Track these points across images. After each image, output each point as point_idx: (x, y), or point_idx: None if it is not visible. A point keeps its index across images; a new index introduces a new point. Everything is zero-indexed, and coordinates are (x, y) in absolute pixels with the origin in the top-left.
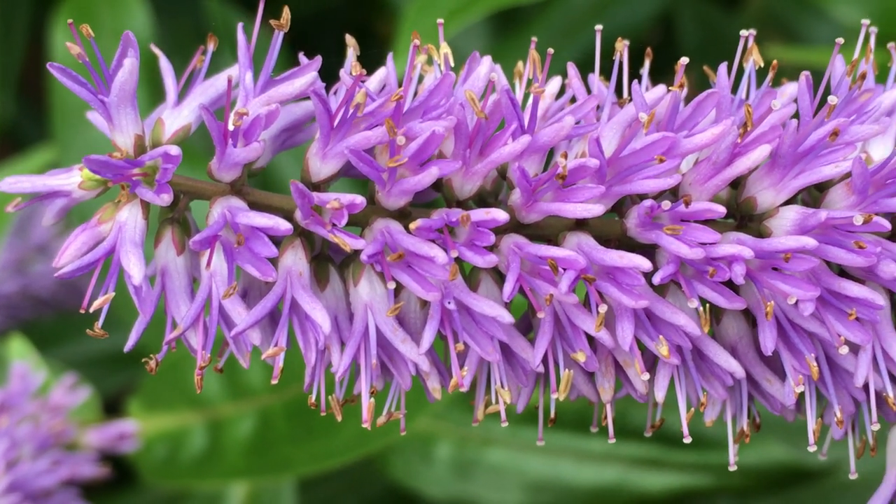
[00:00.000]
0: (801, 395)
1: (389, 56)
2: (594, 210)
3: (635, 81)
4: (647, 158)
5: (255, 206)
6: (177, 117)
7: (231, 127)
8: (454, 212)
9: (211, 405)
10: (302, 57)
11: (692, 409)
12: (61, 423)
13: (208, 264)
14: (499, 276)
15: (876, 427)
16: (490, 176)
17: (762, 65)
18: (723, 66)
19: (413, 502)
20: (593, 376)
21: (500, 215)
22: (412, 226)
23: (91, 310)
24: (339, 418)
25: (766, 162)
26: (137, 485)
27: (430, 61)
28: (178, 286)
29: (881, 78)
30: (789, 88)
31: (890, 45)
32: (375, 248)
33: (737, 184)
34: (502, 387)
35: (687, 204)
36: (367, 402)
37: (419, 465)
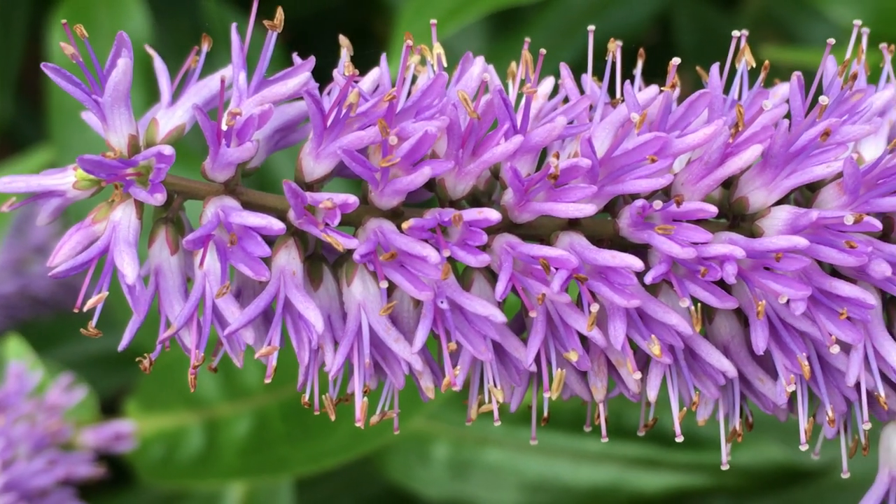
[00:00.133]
0: (794, 394)
1: (383, 56)
2: (586, 210)
3: (627, 82)
4: (640, 158)
5: (248, 205)
6: (171, 117)
7: (224, 127)
8: (447, 211)
9: (208, 405)
10: (296, 57)
11: (684, 408)
12: (57, 423)
13: (201, 264)
14: (492, 275)
15: (867, 426)
16: (483, 176)
17: (754, 65)
18: (715, 67)
19: (410, 502)
20: (586, 375)
21: (493, 215)
22: (405, 225)
23: (84, 309)
24: (333, 417)
25: (757, 162)
26: (134, 485)
27: (423, 62)
28: (172, 286)
29: (874, 79)
30: (781, 89)
31: (882, 45)
32: (368, 247)
33: (729, 184)
34: (495, 386)
35: (678, 204)
36: (360, 402)
37: (416, 465)
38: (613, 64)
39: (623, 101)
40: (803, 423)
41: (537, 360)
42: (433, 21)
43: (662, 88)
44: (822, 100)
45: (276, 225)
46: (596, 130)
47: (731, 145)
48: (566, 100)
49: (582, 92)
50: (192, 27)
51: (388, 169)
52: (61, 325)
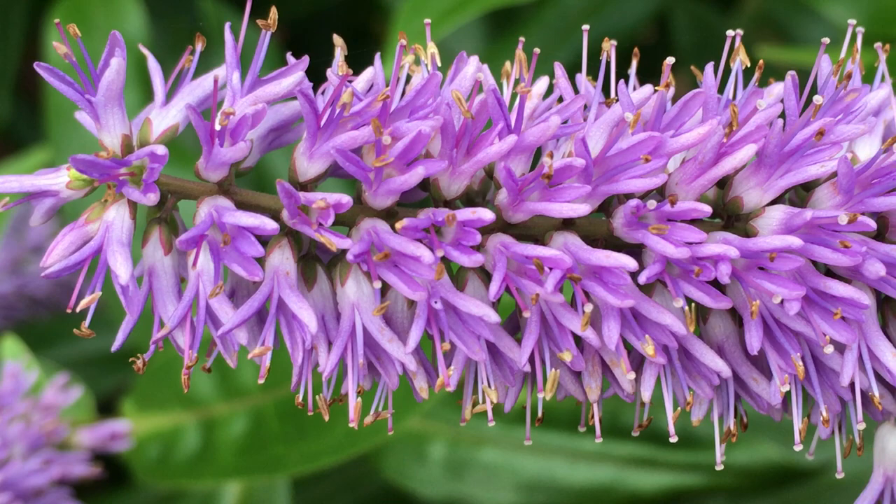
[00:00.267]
0: (788, 394)
1: (377, 56)
2: (580, 210)
3: (622, 81)
4: (634, 158)
5: (242, 205)
6: (164, 117)
7: (218, 127)
8: (440, 211)
9: (204, 405)
10: (289, 57)
11: (679, 408)
12: (53, 423)
13: (194, 264)
14: (486, 275)
15: (861, 426)
16: (478, 175)
17: (749, 65)
18: (709, 66)
19: (407, 502)
20: (580, 376)
21: (487, 215)
22: (398, 225)
23: (77, 309)
24: (327, 418)
25: (752, 162)
26: (131, 485)
27: (417, 61)
28: (166, 286)
29: (871, 78)
30: (776, 88)
31: (876, 44)
32: (362, 247)
33: (723, 183)
34: (489, 386)
35: (673, 203)
36: (353, 402)
37: (412, 464)
38: (608, 63)
39: (617, 100)
40: (798, 424)
41: (531, 360)
42: (427, 21)
43: (657, 88)
44: (817, 99)
45: (270, 225)
46: (590, 130)
47: (725, 145)
48: (561, 99)
49: (577, 91)
50: (190, 26)
51: (381, 169)
52: (59, 324)
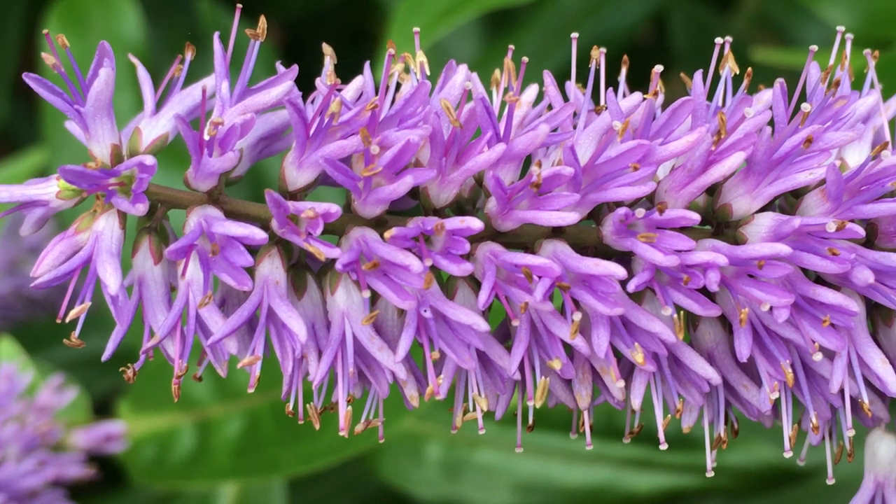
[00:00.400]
0: (779, 400)
1: (366, 64)
2: (569, 218)
3: (610, 89)
4: (623, 166)
5: (231, 214)
6: (154, 126)
7: (206, 137)
8: (429, 220)
9: (199, 406)
10: (279, 66)
11: (669, 415)
12: (47, 424)
13: (183, 273)
14: (476, 284)
15: (851, 433)
16: (467, 184)
17: (737, 72)
18: (698, 74)
19: (403, 503)
20: (571, 383)
21: (475, 224)
22: (387, 234)
23: (67, 320)
24: (317, 426)
25: (741, 169)
26: (127, 486)
27: (407, 70)
28: (156, 295)
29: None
30: (765, 95)
31: (866, 51)
32: (351, 256)
33: (713, 190)
34: (479, 394)
35: (661, 211)
36: (344, 411)
37: (409, 465)
38: (598, 71)
39: (607, 108)
40: (787, 430)
41: (521, 368)
42: (416, 29)
43: (646, 96)
44: (805, 107)
45: (259, 235)
46: (579, 138)
47: (714, 152)
48: (550, 107)
49: (566, 99)
50: (188, 27)
51: (370, 178)
52: (56, 325)
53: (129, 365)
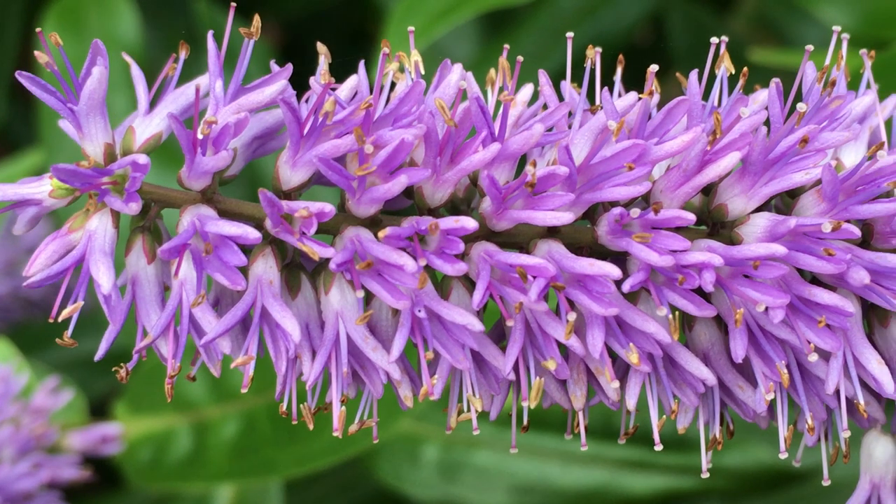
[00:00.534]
0: (774, 401)
1: (361, 63)
2: (563, 218)
3: (605, 89)
4: (618, 166)
5: (225, 214)
6: (148, 125)
7: (200, 136)
8: (424, 220)
9: (196, 408)
10: (273, 65)
11: (664, 416)
12: (43, 426)
13: (176, 273)
14: (470, 283)
15: (847, 434)
16: (462, 183)
17: (733, 72)
18: (693, 74)
19: None
20: (566, 384)
21: (469, 223)
22: (381, 234)
23: (59, 319)
24: (311, 427)
25: (737, 169)
26: (123, 487)
27: (402, 69)
28: (149, 295)
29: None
30: (761, 95)
31: (862, 51)
32: (344, 256)
33: (709, 190)
34: (474, 394)
35: (657, 211)
36: (338, 411)
37: (406, 467)
38: (593, 70)
39: (602, 108)
40: (783, 431)
41: (516, 368)
42: (411, 29)
43: (641, 95)
44: (800, 107)
45: (252, 234)
46: (574, 138)
47: (709, 152)
48: (545, 106)
49: (561, 99)
50: (185, 27)
51: (364, 177)
52: (53, 326)
53: (121, 365)
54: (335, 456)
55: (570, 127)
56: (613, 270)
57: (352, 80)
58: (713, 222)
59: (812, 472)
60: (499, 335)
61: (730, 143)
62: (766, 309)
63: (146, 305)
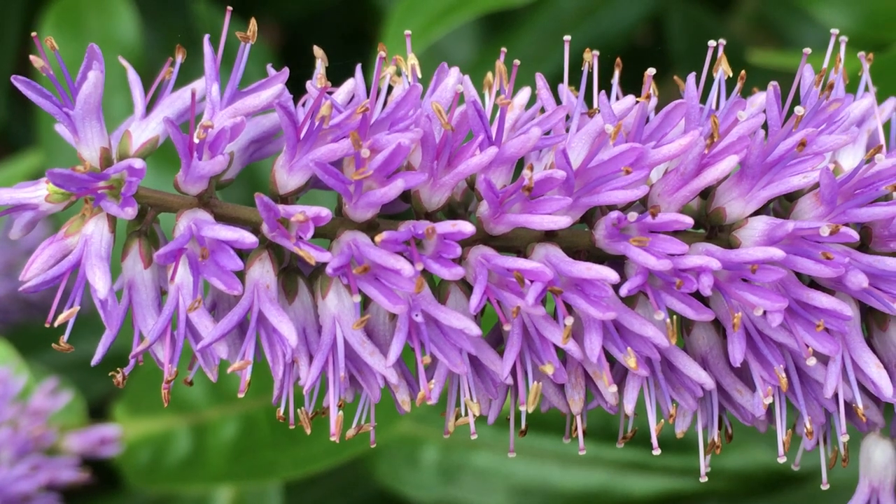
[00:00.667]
0: (772, 405)
1: (358, 67)
2: (561, 222)
3: (603, 92)
4: (615, 169)
5: (222, 218)
6: (144, 129)
7: (196, 140)
8: (421, 224)
9: (195, 409)
10: (269, 68)
11: (662, 420)
12: (41, 428)
13: (172, 277)
14: (468, 288)
15: (845, 438)
16: (460, 187)
17: (731, 75)
18: (691, 77)
19: None
20: (564, 388)
21: (467, 227)
22: (378, 238)
23: (56, 324)
24: (308, 431)
25: (735, 172)
26: (122, 489)
27: (399, 72)
28: (146, 299)
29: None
30: (759, 98)
31: (860, 54)
32: (341, 260)
33: (706, 194)
34: (472, 399)
35: (654, 215)
36: (335, 416)
37: (405, 468)
38: (590, 73)
39: (599, 111)
40: (781, 435)
41: (514, 372)
42: (408, 32)
43: (638, 99)
44: (798, 110)
45: (249, 239)
46: (572, 141)
47: (707, 156)
48: (543, 110)
49: (559, 102)
50: (184, 29)
51: (361, 181)
52: (53, 328)
53: (118, 369)
54: (334, 458)
55: (567, 130)
56: (611, 274)
57: (348, 84)
58: (711, 226)
59: (812, 474)
60: (496, 339)
61: (728, 147)
62: (765, 313)
63: (143, 310)
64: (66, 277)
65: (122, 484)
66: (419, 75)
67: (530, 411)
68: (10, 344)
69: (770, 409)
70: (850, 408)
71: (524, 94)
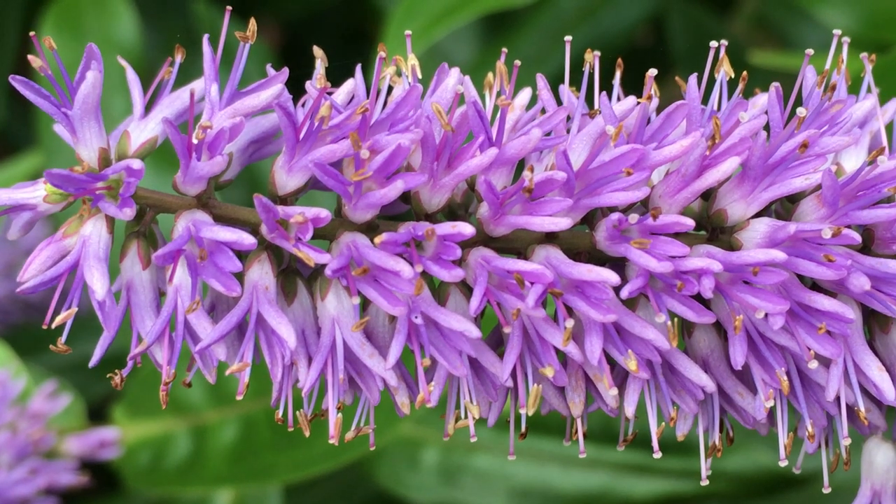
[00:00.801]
0: (774, 408)
1: (357, 67)
2: (561, 223)
3: (604, 93)
4: (617, 171)
5: (220, 219)
6: (143, 130)
7: (195, 140)
8: (420, 225)
9: (194, 412)
10: (269, 68)
11: (663, 423)
12: (40, 431)
13: (171, 278)
14: (468, 290)
15: (847, 442)
16: (460, 188)
17: (732, 76)
18: (692, 78)
19: None
20: (564, 390)
21: (466, 229)
22: (377, 240)
23: (53, 326)
24: (307, 434)
25: (736, 174)
26: (121, 492)
27: (399, 73)
28: (144, 301)
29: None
30: (761, 99)
31: (863, 55)
32: (340, 262)
33: (708, 195)
34: (471, 401)
35: (655, 217)
36: (334, 418)
37: (406, 470)
38: (591, 74)
39: (600, 112)
40: (783, 438)
41: (514, 374)
42: (408, 32)
43: (640, 100)
44: (800, 111)
45: (247, 240)
46: (572, 142)
47: (708, 157)
48: (544, 111)
49: (560, 103)
50: (184, 29)
51: (360, 182)
52: (52, 330)
53: (116, 371)
54: (334, 460)
55: (568, 131)
56: (612, 276)
57: (348, 85)
58: (712, 228)
59: (813, 476)
60: (496, 341)
61: (729, 148)
62: (766, 315)
63: (141, 311)
64: (65, 278)
65: (122, 486)
66: (419, 76)
67: (530, 414)
68: (9, 346)
69: (771, 412)
70: (851, 411)
71: (525, 94)
